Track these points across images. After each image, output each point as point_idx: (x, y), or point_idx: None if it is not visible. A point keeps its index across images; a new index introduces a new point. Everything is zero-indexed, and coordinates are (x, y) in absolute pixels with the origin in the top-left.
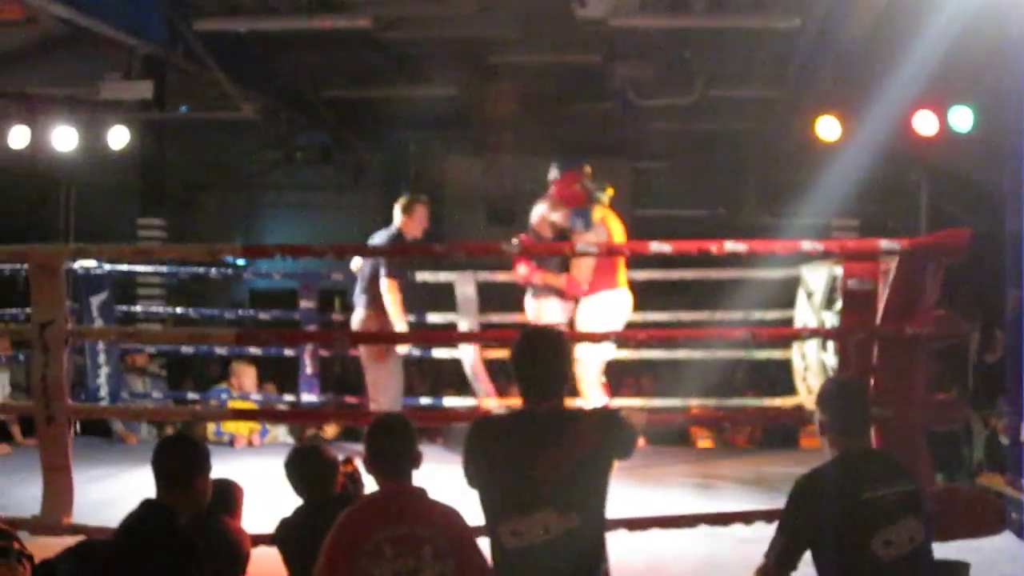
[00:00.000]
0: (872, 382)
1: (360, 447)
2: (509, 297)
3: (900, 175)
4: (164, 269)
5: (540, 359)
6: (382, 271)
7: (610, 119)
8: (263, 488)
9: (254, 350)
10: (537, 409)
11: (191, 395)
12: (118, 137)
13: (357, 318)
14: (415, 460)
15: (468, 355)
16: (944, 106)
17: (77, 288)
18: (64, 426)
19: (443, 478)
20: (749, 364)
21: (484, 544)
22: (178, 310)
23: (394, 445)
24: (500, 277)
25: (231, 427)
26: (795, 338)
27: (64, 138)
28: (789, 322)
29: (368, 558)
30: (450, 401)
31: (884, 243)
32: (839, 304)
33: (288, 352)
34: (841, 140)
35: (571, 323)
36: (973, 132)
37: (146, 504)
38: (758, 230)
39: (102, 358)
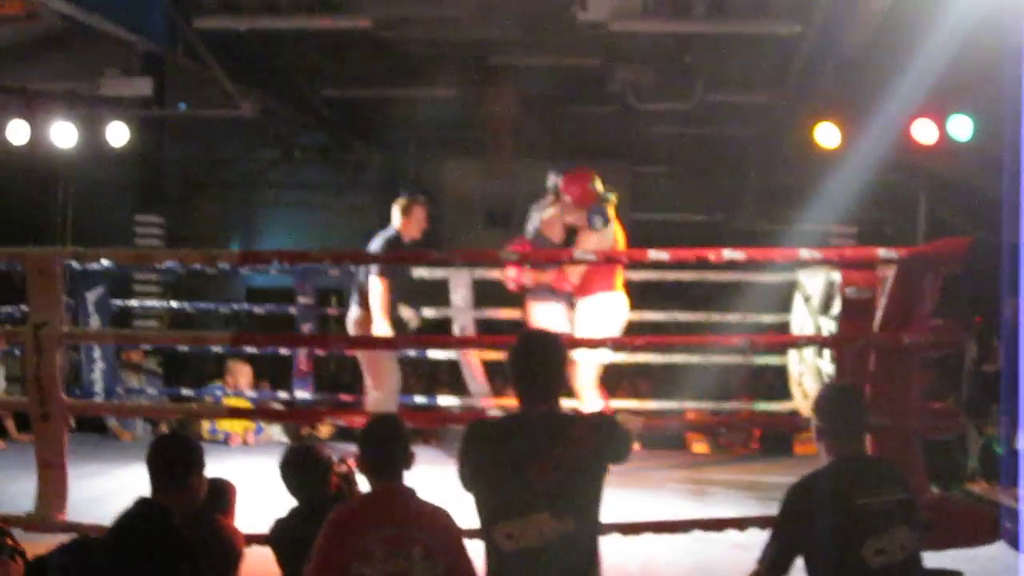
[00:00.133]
0: (868, 390)
1: (354, 447)
2: (505, 293)
3: (899, 183)
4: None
5: (537, 362)
6: (372, 270)
7: (610, 123)
8: (257, 487)
9: (249, 348)
10: (533, 412)
11: (186, 392)
12: (117, 134)
13: (352, 316)
14: (407, 461)
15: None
16: (943, 115)
17: (73, 283)
18: (59, 423)
19: (436, 479)
20: (745, 369)
21: (475, 547)
22: (174, 305)
23: (387, 446)
24: (495, 274)
25: (226, 425)
26: (792, 345)
27: (63, 134)
28: (786, 326)
29: (359, 559)
30: (445, 400)
31: (882, 252)
32: (835, 309)
33: (283, 350)
34: (840, 147)
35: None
36: (972, 141)
37: (140, 502)
38: (756, 235)
39: (97, 354)
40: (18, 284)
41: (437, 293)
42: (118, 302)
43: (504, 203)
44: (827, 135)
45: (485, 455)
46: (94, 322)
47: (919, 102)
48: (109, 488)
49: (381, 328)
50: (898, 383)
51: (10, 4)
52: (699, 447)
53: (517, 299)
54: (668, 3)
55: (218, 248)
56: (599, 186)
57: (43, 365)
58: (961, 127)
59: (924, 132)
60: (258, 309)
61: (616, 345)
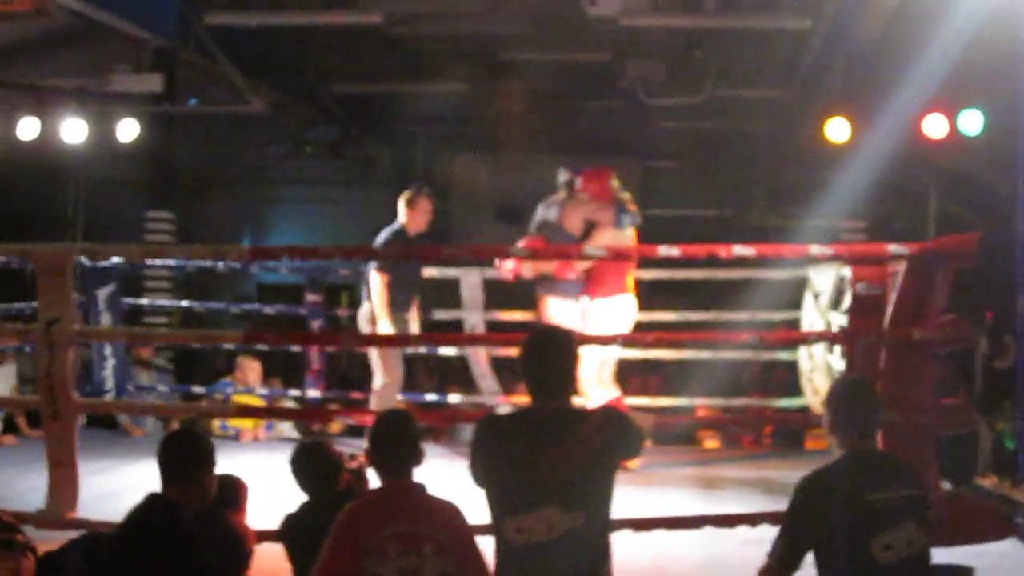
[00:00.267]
0: (879, 386)
1: (364, 443)
2: (516, 293)
3: (909, 178)
4: (171, 262)
5: (548, 359)
6: (374, 265)
7: (619, 118)
8: (268, 483)
9: (260, 345)
10: (544, 408)
11: (196, 388)
12: (127, 130)
13: (363, 312)
14: (417, 457)
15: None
16: (954, 109)
17: (84, 281)
18: (70, 422)
19: (445, 476)
20: (756, 364)
21: (486, 542)
22: (185, 303)
23: (397, 441)
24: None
25: (236, 421)
26: (803, 342)
27: (73, 130)
28: (796, 322)
29: (372, 557)
30: (455, 398)
31: (893, 247)
32: (846, 305)
33: (293, 347)
34: (851, 142)
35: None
36: (983, 135)
37: (151, 499)
38: (766, 231)
39: (108, 350)
40: (29, 281)
41: (448, 294)
42: (129, 300)
43: (514, 199)
44: (837, 130)
45: (497, 450)
46: (105, 319)
47: (929, 97)
48: (120, 484)
49: (382, 323)
50: (909, 379)
51: (20, 1)
52: (710, 443)
53: (529, 301)
54: None
55: (228, 244)
56: (615, 184)
57: (54, 363)
58: (972, 122)
59: (934, 127)
60: (268, 309)
61: (627, 341)
